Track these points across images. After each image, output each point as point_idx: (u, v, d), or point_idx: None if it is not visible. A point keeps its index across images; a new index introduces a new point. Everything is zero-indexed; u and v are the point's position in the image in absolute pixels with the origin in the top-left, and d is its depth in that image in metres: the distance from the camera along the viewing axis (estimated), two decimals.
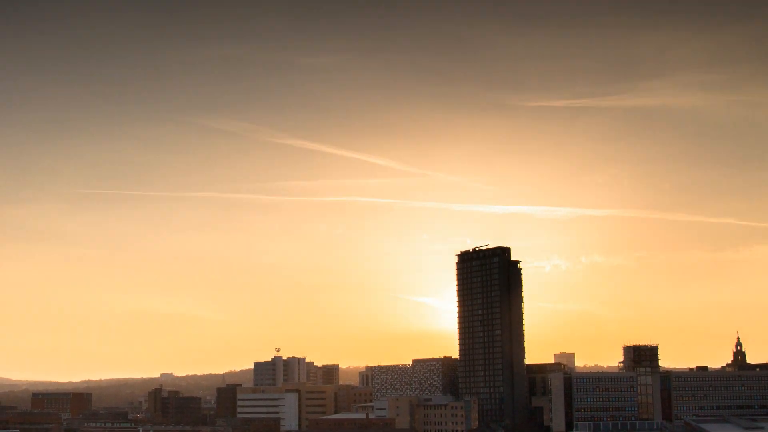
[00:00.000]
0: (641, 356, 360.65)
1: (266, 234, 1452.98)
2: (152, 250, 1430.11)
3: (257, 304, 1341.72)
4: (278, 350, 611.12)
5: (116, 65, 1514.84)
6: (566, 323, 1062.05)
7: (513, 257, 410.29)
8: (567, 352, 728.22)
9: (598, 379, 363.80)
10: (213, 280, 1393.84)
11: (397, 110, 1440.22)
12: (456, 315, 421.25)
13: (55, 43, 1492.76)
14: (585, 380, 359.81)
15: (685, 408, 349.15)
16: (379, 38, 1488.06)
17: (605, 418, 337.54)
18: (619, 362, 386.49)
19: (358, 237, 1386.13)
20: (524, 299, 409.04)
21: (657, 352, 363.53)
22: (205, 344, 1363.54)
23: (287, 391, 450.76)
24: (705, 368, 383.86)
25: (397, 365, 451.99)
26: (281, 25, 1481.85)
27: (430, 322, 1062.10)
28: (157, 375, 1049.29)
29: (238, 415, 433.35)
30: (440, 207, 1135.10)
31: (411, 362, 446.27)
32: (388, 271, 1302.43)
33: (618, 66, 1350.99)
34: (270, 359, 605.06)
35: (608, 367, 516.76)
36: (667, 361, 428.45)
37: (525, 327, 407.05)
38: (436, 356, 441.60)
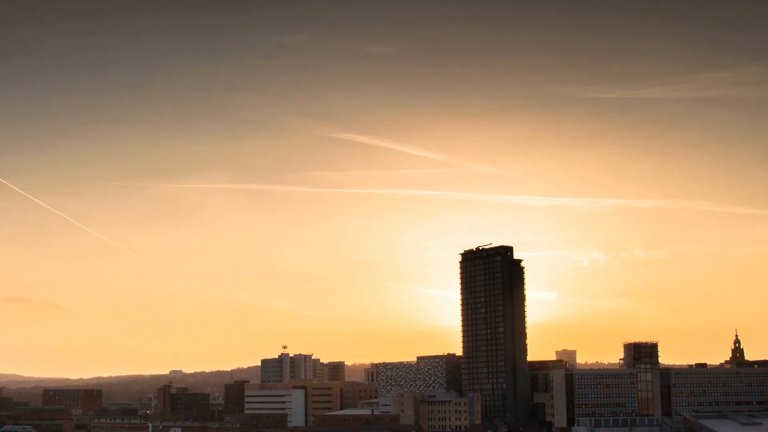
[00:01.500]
0: (641, 353, 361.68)
1: (292, 227, 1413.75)
2: (161, 248, 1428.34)
3: (264, 302, 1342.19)
4: (285, 347, 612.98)
5: (167, 55, 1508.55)
6: (597, 318, 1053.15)
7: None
8: (569, 349, 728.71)
9: (598, 375, 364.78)
10: (222, 278, 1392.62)
11: (437, 100, 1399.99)
12: (459, 312, 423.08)
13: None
14: (586, 377, 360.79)
15: (684, 404, 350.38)
16: (425, 28, 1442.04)
17: (606, 414, 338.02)
18: (620, 359, 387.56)
19: (389, 229, 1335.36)
20: (526, 297, 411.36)
21: (657, 349, 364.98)
22: (214, 341, 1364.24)
23: (294, 387, 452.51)
24: (704, 365, 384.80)
25: (401, 362, 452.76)
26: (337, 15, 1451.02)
27: (434, 320, 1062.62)
28: (166, 372, 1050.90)
29: (246, 411, 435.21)
30: (478, 198, 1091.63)
31: (415, 359, 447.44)
32: (409, 264, 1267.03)
33: (668, 57, 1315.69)
34: (277, 356, 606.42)
35: (608, 363, 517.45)
36: (669, 358, 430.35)
37: (527, 324, 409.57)
38: (440, 353, 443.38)
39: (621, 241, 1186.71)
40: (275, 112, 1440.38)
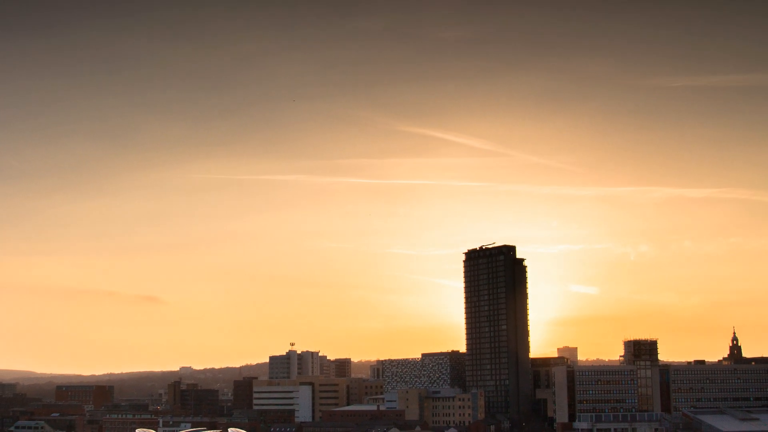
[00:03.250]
0: (641, 350, 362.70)
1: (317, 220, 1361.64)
2: (172, 242, 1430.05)
3: (274, 300, 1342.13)
4: (293, 344, 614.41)
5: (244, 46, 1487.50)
6: (636, 312, 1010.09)
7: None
8: (570, 346, 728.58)
9: (599, 372, 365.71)
10: (231, 276, 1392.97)
11: (492, 85, 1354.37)
12: (463, 311, 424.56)
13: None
14: (587, 373, 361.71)
15: (683, 400, 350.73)
16: (489, 12, 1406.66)
17: (606, 410, 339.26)
18: (620, 356, 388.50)
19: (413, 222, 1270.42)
20: (529, 295, 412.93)
21: (656, 346, 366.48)
22: (223, 339, 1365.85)
23: (301, 384, 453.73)
24: (702, 362, 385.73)
25: (406, 359, 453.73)
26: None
27: (438, 318, 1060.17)
28: (176, 368, 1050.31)
29: (254, 407, 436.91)
30: (526, 189, 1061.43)
31: (420, 356, 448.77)
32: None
33: (727, 48, 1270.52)
34: (285, 353, 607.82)
35: (609, 360, 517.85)
36: (668, 355, 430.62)
37: (530, 322, 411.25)
38: (445, 350, 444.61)
39: (670, 232, 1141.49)
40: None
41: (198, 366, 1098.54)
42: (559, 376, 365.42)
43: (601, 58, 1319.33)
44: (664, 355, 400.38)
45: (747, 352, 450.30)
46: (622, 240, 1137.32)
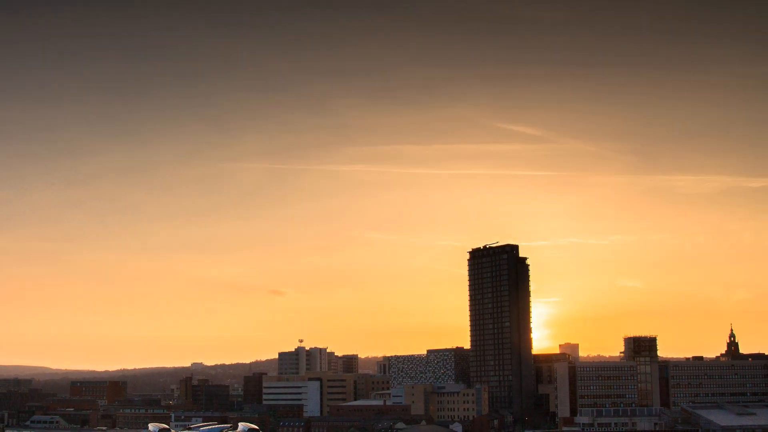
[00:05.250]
0: (641, 346, 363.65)
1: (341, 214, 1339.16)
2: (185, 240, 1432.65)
3: (281, 296, 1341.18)
4: (301, 341, 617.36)
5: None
6: (681, 305, 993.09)
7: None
8: (572, 342, 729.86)
9: (600, 368, 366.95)
10: (239, 274, 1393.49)
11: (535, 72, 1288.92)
12: (468, 308, 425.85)
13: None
14: (588, 369, 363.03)
15: (682, 395, 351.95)
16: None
17: (607, 405, 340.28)
18: (620, 352, 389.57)
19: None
20: (531, 293, 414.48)
21: (656, 342, 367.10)
22: (233, 335, 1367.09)
23: (310, 379, 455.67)
24: (701, 358, 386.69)
25: (412, 355, 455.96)
26: None
27: (443, 315, 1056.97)
28: (187, 364, 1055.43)
29: (264, 402, 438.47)
30: (572, 177, 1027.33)
31: (425, 352, 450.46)
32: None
33: None
34: (294, 349, 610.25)
35: (609, 356, 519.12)
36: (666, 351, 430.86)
37: (531, 319, 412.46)
38: (449, 347, 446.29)
39: (728, 222, 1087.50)
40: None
41: (209, 362, 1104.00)
42: (561, 371, 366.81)
43: (646, 45, 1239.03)
44: (665, 352, 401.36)
45: (744, 348, 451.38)
46: (675, 230, 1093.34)
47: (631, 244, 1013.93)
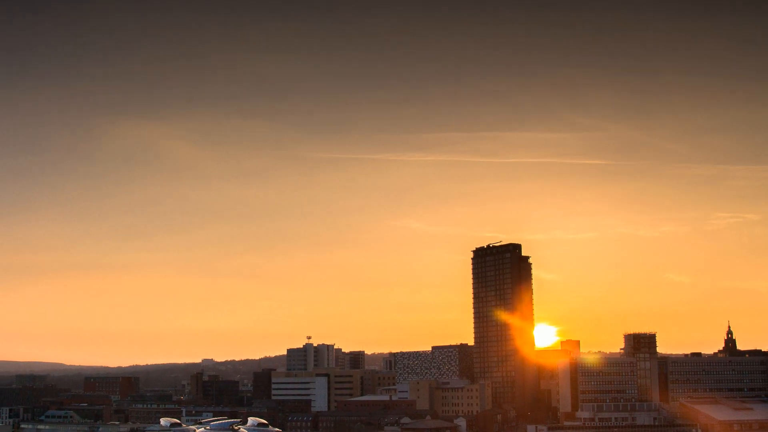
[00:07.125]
0: (640, 343, 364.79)
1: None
2: (197, 237, 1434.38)
3: (292, 295, 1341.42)
4: (309, 338, 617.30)
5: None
6: (728, 302, 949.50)
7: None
8: (573, 339, 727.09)
9: (601, 364, 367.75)
10: (247, 273, 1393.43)
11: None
12: (471, 305, 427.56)
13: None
14: (589, 365, 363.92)
15: (680, 391, 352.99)
16: None
17: (608, 400, 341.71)
18: (620, 349, 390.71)
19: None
20: (534, 291, 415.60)
21: (655, 339, 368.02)
22: (243, 332, 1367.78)
23: (318, 375, 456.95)
24: (699, 354, 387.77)
25: (417, 351, 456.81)
26: None
27: (448, 312, 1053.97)
28: (198, 360, 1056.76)
29: (273, 397, 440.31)
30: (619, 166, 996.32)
31: (430, 348, 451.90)
32: None
33: None
34: (302, 346, 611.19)
35: (610, 353, 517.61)
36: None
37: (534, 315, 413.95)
38: (453, 343, 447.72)
39: None
40: None
41: (219, 358, 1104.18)
42: (563, 367, 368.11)
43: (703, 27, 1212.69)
44: (664, 348, 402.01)
45: (741, 345, 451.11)
46: (729, 222, 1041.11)
47: (667, 234, 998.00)
